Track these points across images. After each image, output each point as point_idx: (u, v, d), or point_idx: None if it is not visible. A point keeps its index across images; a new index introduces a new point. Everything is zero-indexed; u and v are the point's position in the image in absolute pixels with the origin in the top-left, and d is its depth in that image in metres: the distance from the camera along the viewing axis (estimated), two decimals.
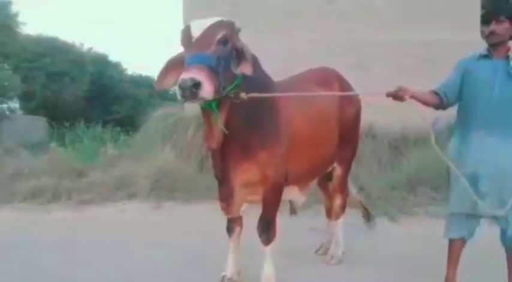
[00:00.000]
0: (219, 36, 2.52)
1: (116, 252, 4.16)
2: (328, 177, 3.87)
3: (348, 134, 3.67)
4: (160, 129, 7.12)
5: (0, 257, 4.07)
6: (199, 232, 4.74)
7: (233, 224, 3.24)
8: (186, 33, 2.57)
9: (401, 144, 6.33)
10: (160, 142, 6.86)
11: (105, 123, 16.31)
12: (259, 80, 2.82)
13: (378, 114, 5.82)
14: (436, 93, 3.01)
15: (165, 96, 27.20)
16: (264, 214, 3.05)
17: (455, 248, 3.08)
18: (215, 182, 6.26)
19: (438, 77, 6.55)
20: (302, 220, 4.48)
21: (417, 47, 6.62)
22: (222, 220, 5.27)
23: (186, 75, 2.31)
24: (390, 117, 6.11)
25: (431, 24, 6.65)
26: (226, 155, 2.84)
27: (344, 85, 3.75)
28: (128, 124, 18.42)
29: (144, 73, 26.46)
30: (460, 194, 2.92)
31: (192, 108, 7.13)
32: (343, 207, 3.87)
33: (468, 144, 2.92)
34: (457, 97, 3.02)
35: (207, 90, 2.35)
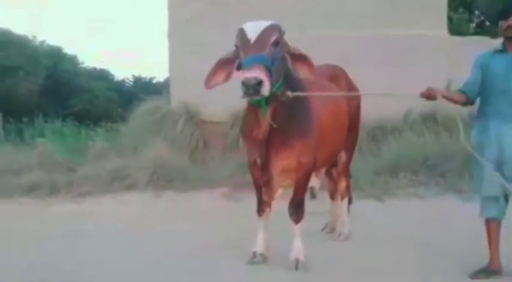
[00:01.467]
0: (272, 38, 2.89)
1: (132, 240, 4.39)
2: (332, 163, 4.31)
3: (352, 123, 4.14)
4: (148, 122, 7.32)
5: (14, 249, 4.19)
6: (205, 219, 5.08)
7: (264, 206, 3.60)
8: (242, 35, 2.91)
9: (378, 133, 6.89)
10: (149, 135, 7.06)
11: (63, 118, 16.06)
12: (296, 79, 3.19)
13: None
14: (462, 91, 3.34)
15: (121, 89, 26.84)
16: (295, 196, 3.46)
17: (492, 228, 3.26)
18: (208, 172, 6.64)
19: (413, 69, 7.20)
20: None
21: (393, 42, 7.18)
22: (223, 206, 5.68)
23: (250, 74, 2.67)
24: (367, 108, 6.64)
25: (404, 22, 7.23)
26: (268, 145, 3.20)
27: (349, 80, 4.22)
28: (86, 118, 18.14)
29: (98, 66, 26.04)
30: (488, 179, 3.16)
31: (179, 102, 7.42)
32: (347, 189, 4.33)
33: (488, 133, 3.19)
34: (480, 90, 3.30)
35: (267, 88, 2.72)
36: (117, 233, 4.63)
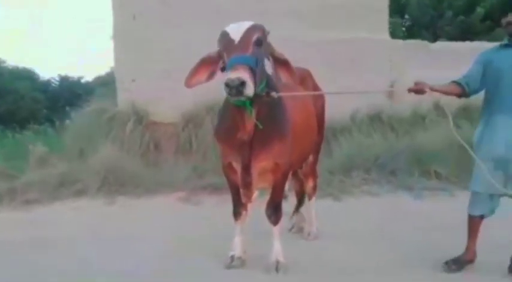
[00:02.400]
0: (254, 38, 2.87)
1: (91, 247, 4.19)
2: None
3: (319, 124, 4.19)
4: (94, 125, 6.99)
5: None
6: (165, 223, 4.92)
7: (240, 209, 3.57)
8: (225, 36, 2.87)
9: (329, 133, 7.03)
10: (96, 138, 6.75)
11: None
12: (273, 80, 3.19)
13: None
14: (457, 83, 3.30)
15: (47, 89, 25.48)
16: (273, 198, 3.46)
17: (475, 223, 3.33)
18: (162, 176, 6.46)
19: (356, 71, 7.41)
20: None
21: (337, 45, 7.37)
22: (182, 210, 5.56)
23: (234, 75, 2.63)
24: None
25: (348, 25, 7.43)
26: (249, 146, 3.16)
27: (314, 82, 4.28)
28: (11, 120, 17.02)
29: (21, 65, 24.62)
30: (481, 176, 3.14)
31: (127, 103, 7.16)
32: (314, 189, 4.39)
33: (493, 129, 3.19)
34: (479, 86, 3.29)
35: (251, 88, 2.69)
36: (75, 240, 4.40)
